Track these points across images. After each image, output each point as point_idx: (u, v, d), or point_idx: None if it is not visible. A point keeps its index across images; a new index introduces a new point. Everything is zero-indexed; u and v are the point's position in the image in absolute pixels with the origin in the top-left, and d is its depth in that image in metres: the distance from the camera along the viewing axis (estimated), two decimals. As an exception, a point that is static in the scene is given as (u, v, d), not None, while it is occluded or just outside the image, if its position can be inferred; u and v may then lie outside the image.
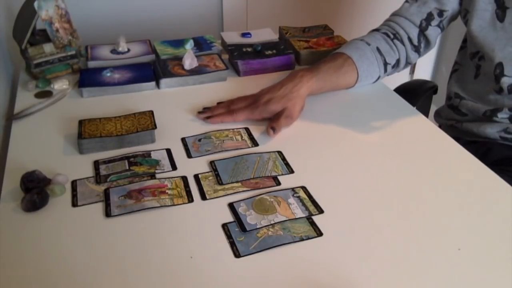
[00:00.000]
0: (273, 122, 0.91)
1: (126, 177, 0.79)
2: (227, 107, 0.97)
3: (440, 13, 1.05)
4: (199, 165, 0.83)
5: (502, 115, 1.02)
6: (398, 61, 1.07)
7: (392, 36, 1.07)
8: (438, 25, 1.07)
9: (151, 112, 0.93)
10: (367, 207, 0.74)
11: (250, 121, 0.95)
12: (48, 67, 1.10)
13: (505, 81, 0.99)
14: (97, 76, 1.08)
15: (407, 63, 1.10)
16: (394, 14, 1.11)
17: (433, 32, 1.07)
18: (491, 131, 1.04)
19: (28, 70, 1.12)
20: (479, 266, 0.64)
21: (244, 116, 0.95)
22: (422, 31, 1.07)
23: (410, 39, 1.07)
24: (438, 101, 1.34)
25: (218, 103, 1.00)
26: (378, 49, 1.04)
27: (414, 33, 1.07)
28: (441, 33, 1.10)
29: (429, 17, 1.06)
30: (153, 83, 1.08)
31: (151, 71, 1.11)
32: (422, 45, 1.09)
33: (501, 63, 0.98)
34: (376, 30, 1.10)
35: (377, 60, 1.04)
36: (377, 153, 0.87)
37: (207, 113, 0.97)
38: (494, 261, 0.65)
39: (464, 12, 1.04)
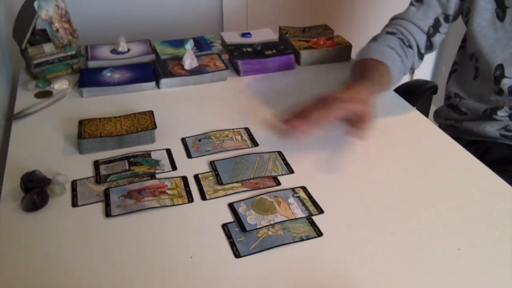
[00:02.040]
0: (358, 124, 0.81)
1: (126, 177, 0.79)
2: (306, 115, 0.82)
3: (446, 18, 1.05)
4: (199, 165, 0.83)
5: (502, 113, 1.02)
6: (406, 68, 1.06)
7: (407, 43, 1.06)
8: (444, 31, 1.07)
9: (151, 112, 0.93)
10: (367, 207, 0.74)
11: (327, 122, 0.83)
12: (48, 67, 1.10)
13: (506, 83, 0.99)
14: (97, 76, 1.08)
15: (411, 69, 1.10)
16: (403, 18, 1.08)
17: (438, 38, 1.08)
18: (491, 129, 1.04)
19: (28, 70, 1.12)
20: (479, 266, 0.64)
21: (323, 118, 0.81)
22: (429, 37, 1.07)
23: (418, 47, 1.07)
24: (438, 101, 1.34)
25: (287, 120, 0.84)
26: (401, 58, 1.03)
27: (422, 40, 1.07)
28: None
29: (436, 23, 1.05)
30: (153, 83, 1.08)
31: (151, 71, 1.11)
32: (426, 51, 1.09)
33: (501, 64, 0.98)
34: (391, 33, 1.07)
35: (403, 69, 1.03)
36: (377, 153, 0.87)
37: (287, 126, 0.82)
38: (494, 261, 0.65)
39: (466, 10, 1.03)
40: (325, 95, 0.84)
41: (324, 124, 0.81)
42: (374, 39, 1.07)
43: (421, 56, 1.09)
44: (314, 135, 0.91)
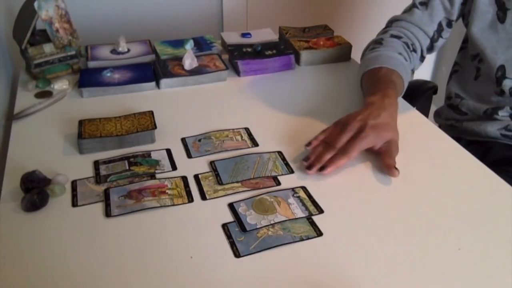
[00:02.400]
0: (390, 159, 0.81)
1: (126, 177, 0.79)
2: (331, 148, 0.81)
3: (449, 23, 1.06)
4: (199, 165, 0.83)
5: (503, 113, 1.02)
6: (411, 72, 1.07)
7: (411, 47, 1.06)
8: (446, 36, 1.08)
9: (151, 112, 0.92)
10: (367, 207, 0.74)
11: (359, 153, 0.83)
12: (48, 67, 1.10)
13: (507, 84, 0.99)
14: (97, 76, 1.08)
15: (412, 71, 1.10)
16: (407, 21, 1.07)
17: (440, 42, 1.09)
18: (492, 129, 1.04)
19: (28, 70, 1.12)
20: (479, 266, 0.64)
21: (357, 150, 0.81)
22: (432, 42, 1.08)
23: (422, 51, 1.08)
24: (438, 101, 1.34)
25: (308, 145, 0.84)
26: (408, 64, 1.03)
27: (426, 44, 1.07)
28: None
29: (439, 28, 1.06)
30: (153, 83, 1.08)
31: (151, 71, 1.11)
32: (427, 53, 1.10)
33: (503, 65, 0.98)
34: (397, 37, 1.06)
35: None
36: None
37: (315, 164, 0.80)
38: (494, 261, 0.65)
39: (467, 13, 1.04)
40: (347, 121, 0.83)
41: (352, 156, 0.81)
42: (379, 43, 1.05)
43: (422, 59, 1.10)
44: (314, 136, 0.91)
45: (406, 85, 0.99)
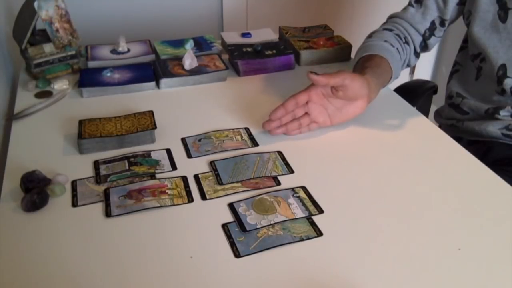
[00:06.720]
0: (330, 76, 0.86)
1: (126, 177, 0.79)
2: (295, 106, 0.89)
3: (442, 22, 1.07)
4: (199, 165, 0.83)
5: (505, 113, 1.02)
6: (404, 62, 1.08)
7: (403, 40, 1.08)
8: (439, 35, 1.10)
9: (151, 112, 0.93)
10: (367, 207, 0.74)
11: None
12: (48, 67, 1.10)
13: (508, 83, 0.99)
14: (97, 76, 1.08)
15: (407, 65, 1.11)
16: (401, 17, 1.10)
17: (433, 41, 1.10)
18: (493, 128, 1.04)
19: (28, 70, 1.12)
20: (479, 266, 0.64)
21: (317, 88, 0.88)
22: (424, 40, 1.10)
23: (414, 46, 1.10)
24: (438, 101, 1.34)
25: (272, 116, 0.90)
26: (398, 50, 1.05)
27: (418, 40, 1.10)
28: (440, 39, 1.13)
29: (432, 27, 1.08)
30: (153, 83, 1.08)
31: (151, 71, 1.11)
32: (422, 50, 1.12)
33: (504, 65, 0.98)
34: (388, 30, 1.09)
35: (401, 62, 1.06)
36: (377, 153, 0.87)
37: (280, 126, 0.90)
38: (494, 261, 0.65)
39: (468, 13, 1.04)
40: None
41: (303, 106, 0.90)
42: (369, 36, 1.09)
43: (417, 55, 1.13)
44: (314, 136, 0.91)
45: (394, 64, 1.00)
